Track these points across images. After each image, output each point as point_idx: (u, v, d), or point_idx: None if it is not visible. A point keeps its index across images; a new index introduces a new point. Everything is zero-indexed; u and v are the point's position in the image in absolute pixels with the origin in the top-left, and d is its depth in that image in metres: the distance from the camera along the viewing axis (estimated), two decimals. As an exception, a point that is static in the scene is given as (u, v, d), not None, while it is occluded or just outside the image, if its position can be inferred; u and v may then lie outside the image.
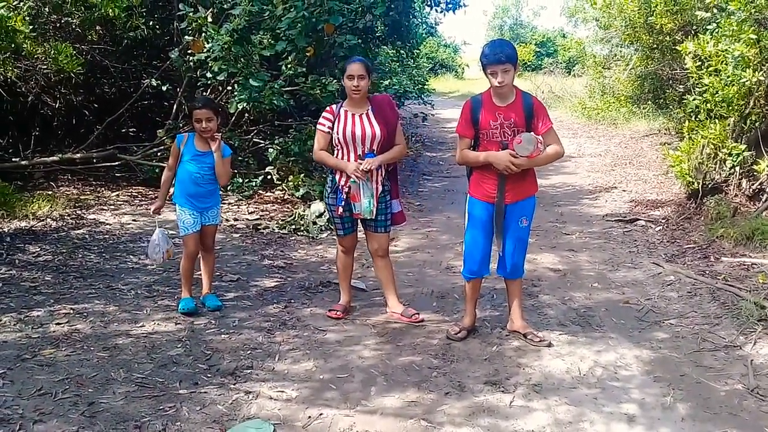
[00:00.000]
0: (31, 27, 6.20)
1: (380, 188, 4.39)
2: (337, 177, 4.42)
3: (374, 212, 4.37)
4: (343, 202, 4.39)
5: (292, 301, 4.92)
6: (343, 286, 4.71)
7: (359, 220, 4.53)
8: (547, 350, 4.06)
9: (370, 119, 4.33)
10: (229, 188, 7.81)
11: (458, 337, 4.22)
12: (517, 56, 3.97)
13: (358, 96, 4.30)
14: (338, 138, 4.34)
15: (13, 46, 6.16)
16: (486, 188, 4.07)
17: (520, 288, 4.34)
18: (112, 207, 7.52)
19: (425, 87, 16.07)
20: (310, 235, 6.76)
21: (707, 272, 5.43)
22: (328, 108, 4.50)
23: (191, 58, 7.53)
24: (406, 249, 6.38)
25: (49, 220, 6.69)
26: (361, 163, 4.24)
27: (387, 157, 4.36)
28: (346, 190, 4.36)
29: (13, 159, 8.42)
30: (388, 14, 9.50)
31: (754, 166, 6.83)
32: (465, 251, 4.26)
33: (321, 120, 4.43)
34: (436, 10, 11.82)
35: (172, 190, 4.74)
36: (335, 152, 4.44)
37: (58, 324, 4.29)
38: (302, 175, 7.96)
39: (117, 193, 8.20)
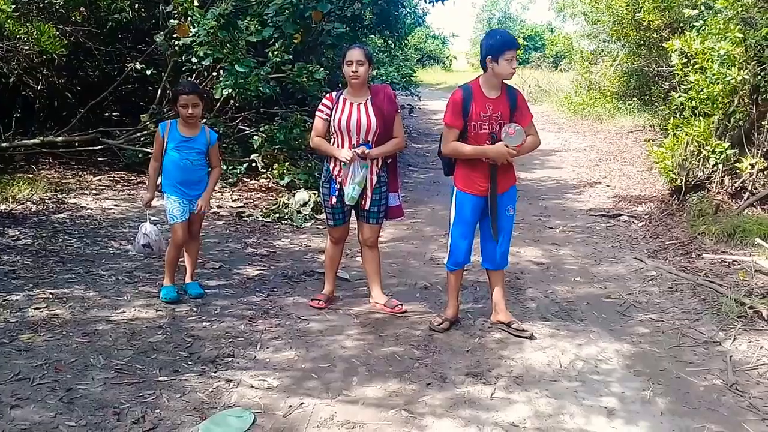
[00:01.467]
0: (13, 6, 6.11)
1: (375, 179, 4.36)
2: (331, 166, 4.39)
3: (366, 200, 4.34)
4: (336, 192, 4.36)
5: (275, 289, 4.90)
6: (329, 276, 4.69)
7: (353, 211, 4.50)
8: (528, 343, 4.08)
9: (367, 109, 4.29)
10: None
11: (441, 328, 4.22)
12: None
13: (357, 82, 4.25)
14: (334, 126, 4.30)
15: (-6, 25, 6.07)
16: (478, 182, 4.07)
17: (503, 279, 4.35)
18: (94, 191, 7.44)
19: (413, 78, 16.05)
20: (294, 224, 6.73)
21: (688, 268, 5.47)
22: (327, 95, 4.46)
23: (176, 42, 7.44)
24: (390, 240, 6.37)
25: (29, 203, 6.60)
26: (354, 151, 4.21)
27: (383, 150, 4.31)
28: (339, 179, 4.34)
29: (-6, 141, 8.29)
30: (377, 3, 9.45)
31: (737, 164, 6.89)
32: (452, 244, 4.24)
33: (320, 107, 4.40)
34: (425, 0, 11.74)
35: (160, 179, 4.65)
36: (331, 140, 4.40)
37: (36, 309, 4.23)
38: (287, 163, 7.92)
39: (99, 177, 8.11)
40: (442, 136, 4.11)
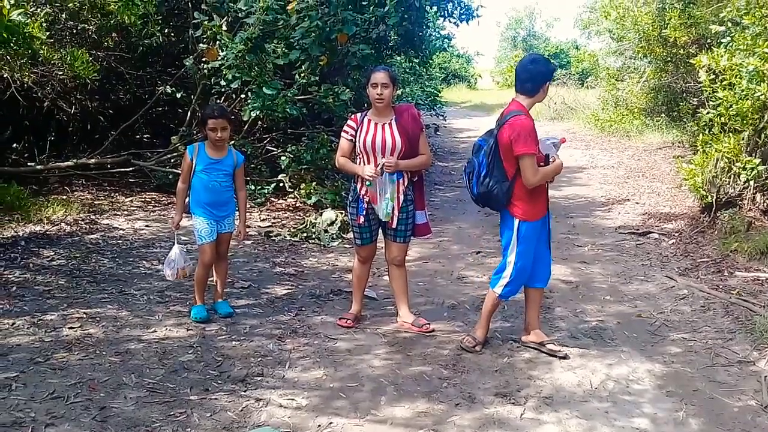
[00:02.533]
0: (47, 33, 6.26)
1: (401, 197, 4.38)
2: (358, 185, 4.42)
3: (393, 218, 4.35)
4: (364, 211, 4.39)
5: (303, 308, 4.93)
6: (356, 295, 4.71)
7: (380, 230, 4.52)
8: (558, 363, 4.04)
9: (392, 129, 4.33)
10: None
11: (475, 350, 4.18)
12: None
13: (382, 105, 4.31)
14: (360, 146, 4.34)
15: (29, 51, 6.22)
16: (541, 206, 4.07)
17: (541, 297, 4.35)
18: (126, 212, 7.57)
19: (437, 98, 16.11)
20: (322, 243, 6.77)
21: (721, 286, 5.39)
22: (353, 116, 4.51)
23: (205, 65, 7.58)
24: (417, 258, 6.37)
25: (63, 224, 6.74)
26: (383, 162, 4.23)
27: (408, 163, 4.34)
28: (367, 198, 4.37)
29: (29, 164, 8.49)
30: (402, 24, 9.52)
31: (769, 181, 6.78)
32: (514, 275, 4.08)
33: (345, 128, 4.45)
34: (450, 21, 11.81)
35: (188, 201, 4.73)
36: (357, 161, 4.43)
37: (70, 328, 4.31)
38: (314, 183, 7.98)
39: (131, 198, 8.25)
40: (526, 168, 3.83)
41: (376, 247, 4.63)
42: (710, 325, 4.65)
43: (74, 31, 7.99)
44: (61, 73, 7.27)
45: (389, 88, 4.28)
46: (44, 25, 6.17)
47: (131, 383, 3.62)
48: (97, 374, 3.70)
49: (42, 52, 6.47)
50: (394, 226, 4.41)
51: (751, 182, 6.92)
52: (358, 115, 4.48)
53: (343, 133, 4.46)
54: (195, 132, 8.38)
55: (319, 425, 3.28)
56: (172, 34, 9.07)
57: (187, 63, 7.89)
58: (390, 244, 4.55)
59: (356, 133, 4.36)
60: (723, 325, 4.64)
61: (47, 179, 8.46)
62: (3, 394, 3.41)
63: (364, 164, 4.36)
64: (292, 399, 3.54)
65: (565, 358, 4.08)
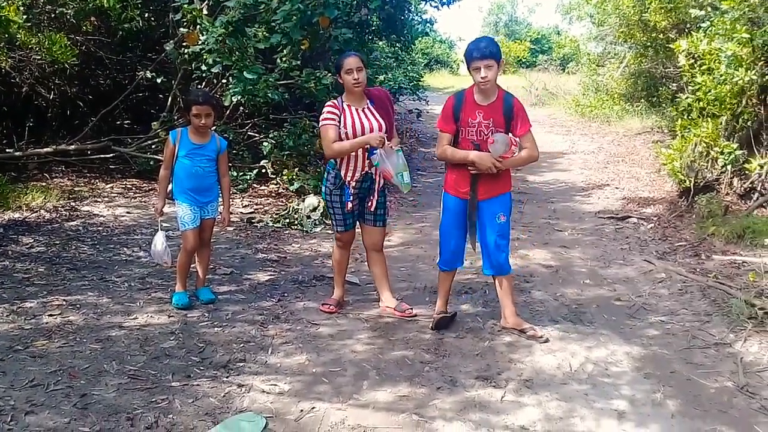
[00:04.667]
0: (25, 17, 6.19)
1: (381, 182, 4.41)
2: (343, 172, 4.37)
3: (373, 201, 4.42)
4: (351, 197, 4.38)
5: (286, 294, 4.93)
6: (338, 280, 4.72)
7: (356, 215, 4.52)
8: (538, 346, 4.09)
9: (372, 113, 4.34)
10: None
11: (439, 319, 4.28)
12: (501, 54, 3.99)
13: (360, 89, 4.30)
14: (346, 132, 4.28)
15: (6, 36, 6.15)
16: (459, 185, 4.14)
17: (509, 284, 4.32)
18: (106, 199, 7.51)
19: (420, 83, 16.08)
20: (304, 229, 6.77)
21: (698, 270, 5.46)
22: (330, 102, 4.39)
23: (186, 50, 7.50)
24: (399, 244, 6.39)
25: (42, 211, 6.68)
26: (382, 136, 4.21)
27: (395, 141, 4.40)
28: (354, 185, 4.35)
29: (7, 150, 8.39)
30: (384, 8, 9.49)
31: (746, 165, 6.87)
32: (440, 242, 4.36)
33: (327, 115, 4.30)
34: (431, 5, 11.78)
35: (170, 187, 4.69)
36: None
37: (50, 315, 4.29)
38: (296, 169, 7.97)
39: (111, 185, 8.19)
40: (437, 140, 4.21)
41: (356, 231, 4.64)
42: (687, 308, 4.72)
43: (52, 15, 7.88)
44: (39, 57, 7.18)
45: (362, 71, 4.27)
46: (21, 8, 6.10)
47: (112, 370, 3.61)
48: (77, 361, 3.68)
49: (19, 36, 6.40)
50: (373, 209, 4.43)
51: (729, 167, 7.02)
52: (335, 101, 4.41)
53: (327, 121, 4.29)
54: (176, 117, 8.32)
55: (302, 410, 3.30)
56: (152, 18, 8.96)
57: (167, 47, 7.80)
58: (369, 229, 4.55)
59: (339, 119, 4.33)
60: (700, 307, 4.72)
61: (26, 166, 8.37)
62: (-17, 382, 3.39)
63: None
64: (275, 384, 3.55)
65: (546, 341, 4.13)
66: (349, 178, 4.37)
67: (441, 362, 3.86)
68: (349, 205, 4.39)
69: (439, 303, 4.44)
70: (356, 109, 4.33)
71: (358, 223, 4.59)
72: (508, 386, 3.58)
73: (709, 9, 7.53)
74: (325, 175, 4.49)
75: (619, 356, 3.96)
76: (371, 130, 4.28)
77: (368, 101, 4.39)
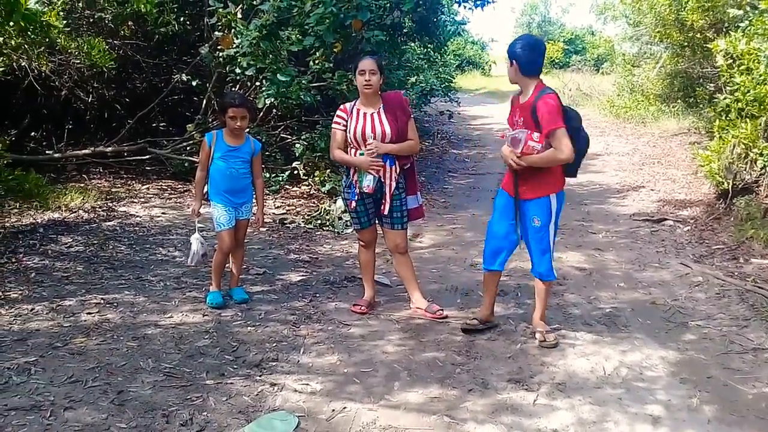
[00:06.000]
0: (65, 22, 6.33)
1: (393, 185, 4.41)
2: (351, 172, 4.48)
3: (385, 205, 4.41)
4: (356, 197, 4.43)
5: (317, 295, 4.97)
6: (367, 280, 4.74)
7: (370, 214, 4.55)
8: (571, 349, 4.05)
9: (381, 118, 4.36)
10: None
11: (471, 325, 4.25)
12: (516, 54, 3.95)
13: (370, 91, 4.32)
14: (350, 137, 4.37)
15: (47, 40, 6.29)
16: (508, 181, 4.14)
17: (544, 289, 4.21)
18: (142, 200, 7.64)
19: (451, 85, 16.04)
20: (336, 230, 6.80)
21: (736, 273, 5.36)
22: (342, 107, 4.50)
23: (221, 53, 7.60)
24: (430, 245, 6.39)
25: (81, 211, 6.82)
26: (370, 151, 4.27)
27: (394, 147, 4.34)
28: (358, 187, 4.40)
29: (47, 152, 8.59)
30: (416, 10, 9.47)
31: (786, 167, 6.72)
32: (485, 240, 4.33)
33: (335, 119, 4.46)
34: (465, 6, 11.73)
35: (206, 189, 4.77)
36: (348, 150, 4.45)
37: (89, 313, 4.38)
38: (328, 170, 8.01)
39: (147, 186, 8.32)
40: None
41: (376, 231, 4.65)
42: (725, 312, 4.63)
43: (91, 19, 8.04)
44: (78, 61, 7.33)
45: (376, 74, 4.30)
46: (61, 13, 6.24)
47: (148, 368, 3.67)
48: (114, 359, 3.76)
49: (59, 40, 6.54)
50: (386, 213, 4.45)
51: (768, 168, 6.86)
52: (347, 105, 4.49)
53: (334, 125, 4.46)
54: (211, 120, 8.43)
55: (333, 410, 3.32)
56: (188, 22, 9.09)
57: (202, 51, 7.91)
58: (388, 232, 4.57)
59: (347, 123, 4.39)
60: (738, 312, 4.63)
61: (65, 167, 8.55)
62: (22, 378, 3.48)
63: (356, 154, 4.40)
64: (307, 384, 3.58)
65: (554, 347, 4.06)
66: (354, 179, 4.44)
67: (472, 364, 3.85)
68: (353, 203, 4.45)
69: (483, 307, 4.37)
70: (365, 114, 4.36)
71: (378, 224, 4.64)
72: (540, 389, 3.56)
73: (748, 8, 7.38)
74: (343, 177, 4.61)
75: (655, 360, 3.90)
76: (374, 135, 4.31)
77: (381, 106, 4.40)
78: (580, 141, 3.97)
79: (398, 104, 4.45)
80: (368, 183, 4.34)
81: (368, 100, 4.38)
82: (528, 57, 3.94)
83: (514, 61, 3.96)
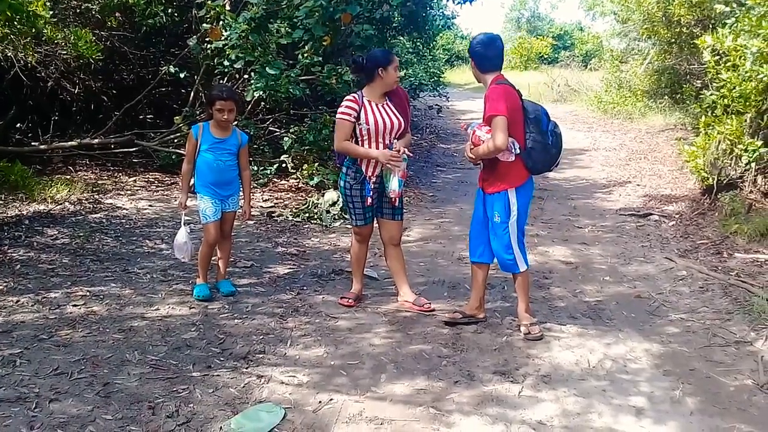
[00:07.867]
0: (51, 12, 6.27)
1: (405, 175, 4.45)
2: (364, 167, 4.39)
3: (393, 198, 4.43)
4: (372, 192, 4.40)
5: (305, 288, 4.97)
6: (357, 274, 4.74)
7: (375, 209, 4.55)
8: (556, 342, 4.08)
9: (391, 109, 4.38)
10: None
11: (453, 318, 4.29)
12: (473, 51, 4.11)
13: (395, 87, 4.43)
14: (367, 128, 4.30)
15: (33, 30, 6.24)
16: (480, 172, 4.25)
17: (521, 281, 4.21)
18: (129, 192, 7.61)
19: (440, 79, 16.05)
20: (323, 223, 6.80)
21: (720, 268, 5.41)
22: (350, 98, 4.39)
23: (209, 45, 7.57)
24: (418, 239, 6.41)
25: (67, 203, 6.78)
26: (389, 150, 4.28)
27: (406, 143, 4.44)
28: (374, 180, 4.38)
29: (33, 143, 8.54)
30: (405, 5, 9.48)
31: (770, 163, 6.78)
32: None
33: (345, 110, 4.33)
34: (453, 1, 11.74)
35: (193, 181, 4.75)
36: (359, 143, 4.38)
37: (74, 306, 4.36)
38: (316, 164, 8.00)
39: (134, 178, 8.29)
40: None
41: (374, 226, 4.67)
42: (708, 306, 4.68)
43: (78, 10, 7.98)
44: (64, 52, 7.28)
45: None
46: (48, 3, 6.18)
47: (134, 360, 3.67)
48: (100, 351, 3.75)
49: (46, 31, 6.49)
50: (396, 204, 4.46)
51: (753, 164, 6.91)
52: (356, 96, 4.40)
53: (344, 115, 4.32)
54: (199, 112, 8.39)
55: (320, 401, 3.33)
56: (176, 14, 9.03)
57: (190, 43, 7.87)
58: (388, 223, 4.57)
59: (358, 115, 4.34)
60: (721, 305, 4.68)
61: (51, 159, 8.50)
62: (8, 370, 3.46)
63: (366, 146, 4.35)
64: (294, 376, 3.58)
65: (539, 339, 4.09)
66: (369, 173, 4.39)
67: (459, 357, 3.87)
68: (369, 199, 4.41)
69: (471, 300, 4.40)
70: (377, 105, 4.35)
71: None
72: (525, 381, 3.59)
73: (735, 5, 7.42)
74: (344, 170, 4.50)
75: (638, 353, 3.94)
76: (392, 127, 4.33)
77: (387, 98, 4.43)
78: (548, 137, 4.04)
79: (405, 97, 4.56)
80: (395, 187, 4.33)
81: (379, 93, 4.39)
82: (482, 53, 4.08)
83: (471, 59, 4.13)
